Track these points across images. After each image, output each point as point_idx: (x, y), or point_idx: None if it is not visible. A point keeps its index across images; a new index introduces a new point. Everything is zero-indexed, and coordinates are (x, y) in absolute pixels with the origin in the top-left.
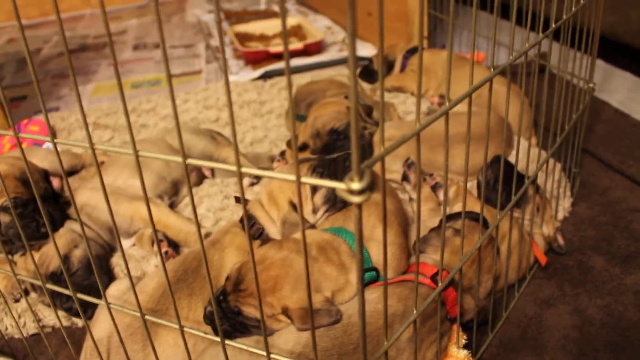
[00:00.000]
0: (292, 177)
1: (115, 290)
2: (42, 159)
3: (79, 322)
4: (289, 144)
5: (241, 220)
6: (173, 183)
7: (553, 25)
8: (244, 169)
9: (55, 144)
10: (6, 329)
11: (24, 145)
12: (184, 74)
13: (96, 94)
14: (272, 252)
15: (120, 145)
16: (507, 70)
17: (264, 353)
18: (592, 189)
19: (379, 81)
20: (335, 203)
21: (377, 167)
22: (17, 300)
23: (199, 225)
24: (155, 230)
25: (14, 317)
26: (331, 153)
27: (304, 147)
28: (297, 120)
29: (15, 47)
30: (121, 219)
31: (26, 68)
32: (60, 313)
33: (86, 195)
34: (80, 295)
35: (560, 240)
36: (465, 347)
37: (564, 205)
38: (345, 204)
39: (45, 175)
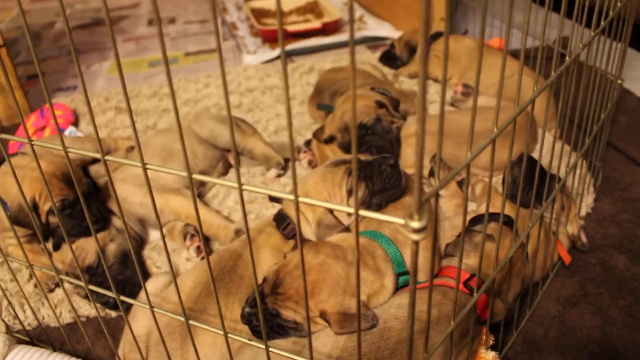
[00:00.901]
0: (351, 210)
1: (152, 287)
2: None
3: (113, 313)
4: (315, 134)
5: (275, 219)
6: (200, 174)
7: (602, 23)
8: (301, 199)
9: (105, 162)
10: (43, 318)
11: (46, 133)
12: (200, 51)
13: (113, 71)
14: (309, 256)
15: (143, 130)
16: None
17: None
18: (614, 183)
19: (403, 68)
20: (370, 206)
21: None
22: (51, 291)
23: (249, 235)
24: (202, 234)
25: (51, 307)
26: (359, 148)
27: (330, 140)
28: (322, 110)
29: (28, 19)
30: (151, 211)
31: (41, 43)
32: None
33: (116, 188)
34: (124, 298)
35: (584, 238)
36: (492, 347)
37: (587, 202)
38: (379, 207)
39: (84, 168)
